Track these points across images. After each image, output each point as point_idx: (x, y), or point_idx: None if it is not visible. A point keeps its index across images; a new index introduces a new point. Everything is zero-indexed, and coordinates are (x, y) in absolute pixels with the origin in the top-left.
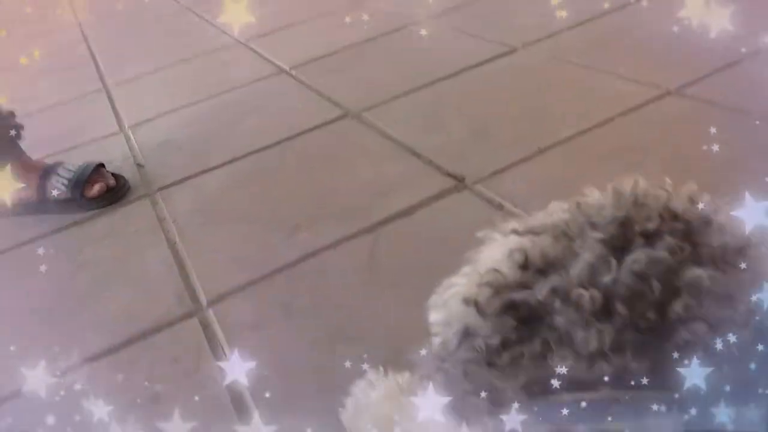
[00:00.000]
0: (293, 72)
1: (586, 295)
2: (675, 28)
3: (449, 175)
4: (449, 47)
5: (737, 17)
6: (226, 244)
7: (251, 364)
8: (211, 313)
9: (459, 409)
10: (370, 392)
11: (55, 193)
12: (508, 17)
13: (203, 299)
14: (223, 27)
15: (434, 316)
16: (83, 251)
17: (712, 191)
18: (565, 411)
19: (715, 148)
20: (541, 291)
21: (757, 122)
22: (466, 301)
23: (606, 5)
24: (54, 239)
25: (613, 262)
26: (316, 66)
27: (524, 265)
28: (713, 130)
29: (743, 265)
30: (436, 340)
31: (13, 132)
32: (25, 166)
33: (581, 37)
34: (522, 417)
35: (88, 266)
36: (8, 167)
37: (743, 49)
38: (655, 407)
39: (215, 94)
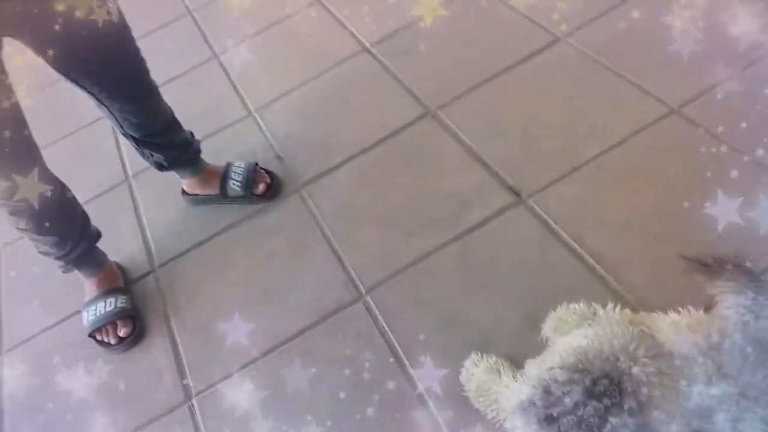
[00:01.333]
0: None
1: (573, 419)
2: None
3: (509, 188)
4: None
5: None
6: (365, 243)
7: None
8: (369, 300)
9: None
10: (474, 368)
11: (233, 193)
12: None
13: (362, 288)
14: None
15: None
16: (266, 242)
17: None
18: None
19: None
20: (558, 410)
21: None
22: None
23: None
24: (241, 229)
25: (581, 409)
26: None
27: (547, 390)
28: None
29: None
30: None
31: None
32: (209, 173)
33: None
34: None
35: (274, 256)
36: (200, 175)
37: None
38: None
39: (313, 76)
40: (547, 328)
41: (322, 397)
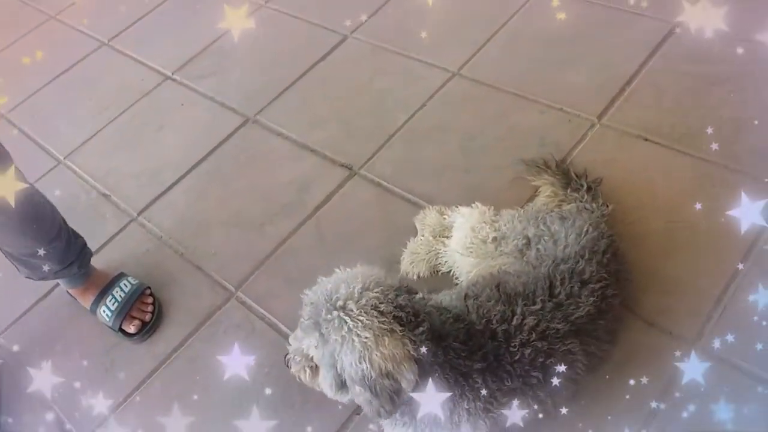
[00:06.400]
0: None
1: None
2: None
3: (342, 165)
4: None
5: None
6: (219, 247)
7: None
8: (241, 294)
9: None
10: None
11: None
12: None
13: (230, 287)
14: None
15: None
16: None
17: None
18: None
19: None
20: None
21: None
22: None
23: None
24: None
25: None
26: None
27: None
28: None
29: None
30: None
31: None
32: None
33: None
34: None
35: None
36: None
37: None
38: None
39: (117, 114)
40: (405, 264)
41: (216, 393)
